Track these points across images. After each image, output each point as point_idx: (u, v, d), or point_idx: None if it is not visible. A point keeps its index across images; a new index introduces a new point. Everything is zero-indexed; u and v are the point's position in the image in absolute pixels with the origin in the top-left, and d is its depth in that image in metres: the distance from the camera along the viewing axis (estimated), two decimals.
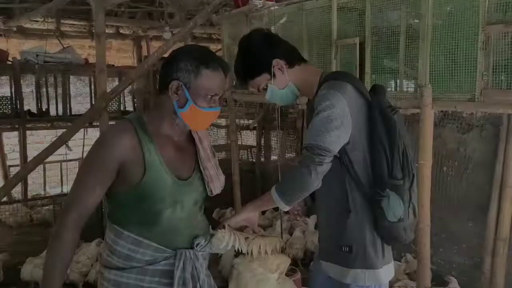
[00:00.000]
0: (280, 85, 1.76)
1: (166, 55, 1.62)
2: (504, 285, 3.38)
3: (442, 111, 3.47)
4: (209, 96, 1.51)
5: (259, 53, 1.74)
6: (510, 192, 3.33)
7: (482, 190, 3.58)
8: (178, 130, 1.58)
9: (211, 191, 1.64)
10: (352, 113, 1.61)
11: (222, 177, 1.69)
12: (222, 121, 6.51)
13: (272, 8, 3.56)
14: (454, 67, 2.43)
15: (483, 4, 2.27)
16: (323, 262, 1.83)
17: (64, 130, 4.47)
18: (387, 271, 1.74)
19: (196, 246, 1.58)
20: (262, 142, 6.12)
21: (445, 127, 3.75)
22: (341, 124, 1.58)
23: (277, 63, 1.73)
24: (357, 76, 2.97)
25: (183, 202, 1.55)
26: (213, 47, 9.25)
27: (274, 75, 1.74)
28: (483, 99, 2.33)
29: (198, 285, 1.55)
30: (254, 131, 6.24)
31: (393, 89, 2.94)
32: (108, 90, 4.30)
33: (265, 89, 1.78)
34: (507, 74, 2.29)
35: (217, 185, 1.65)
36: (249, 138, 6.49)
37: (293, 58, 1.78)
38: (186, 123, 1.54)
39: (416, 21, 2.65)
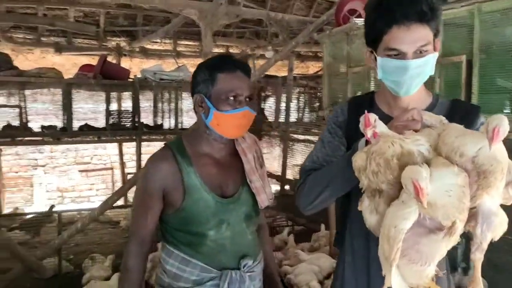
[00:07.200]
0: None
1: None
2: None
3: None
4: (231, 98, 1.46)
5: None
6: None
7: None
8: (217, 146, 1.56)
9: (259, 204, 1.59)
10: None
11: (269, 189, 1.63)
12: (315, 138, 6.43)
13: None
14: None
15: None
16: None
17: None
18: None
19: (243, 267, 1.53)
20: None
21: None
22: None
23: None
24: (463, 96, 2.74)
25: (229, 220, 1.52)
26: (318, 65, 9.28)
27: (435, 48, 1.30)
28: None
29: None
30: None
31: (508, 111, 2.67)
32: None
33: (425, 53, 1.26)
34: None
35: (264, 198, 1.59)
36: None
37: None
38: (218, 133, 1.51)
39: None
